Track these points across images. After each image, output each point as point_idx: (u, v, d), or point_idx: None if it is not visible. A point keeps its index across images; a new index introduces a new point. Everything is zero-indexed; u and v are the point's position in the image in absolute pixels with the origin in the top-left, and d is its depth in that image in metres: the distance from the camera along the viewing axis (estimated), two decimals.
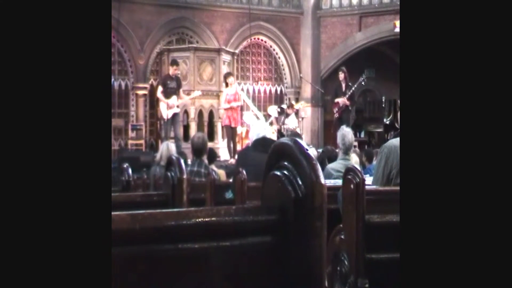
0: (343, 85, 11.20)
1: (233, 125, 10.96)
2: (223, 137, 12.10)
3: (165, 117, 10.41)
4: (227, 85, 11.31)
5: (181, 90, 10.72)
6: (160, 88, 10.61)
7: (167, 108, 10.36)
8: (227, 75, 11.43)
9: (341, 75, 11.21)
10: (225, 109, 10.94)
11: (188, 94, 11.34)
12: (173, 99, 10.44)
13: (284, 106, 13.00)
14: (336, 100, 11.19)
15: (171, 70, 10.67)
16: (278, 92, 15.82)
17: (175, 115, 10.51)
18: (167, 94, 10.42)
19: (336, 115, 11.24)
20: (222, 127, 11.57)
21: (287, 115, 12.22)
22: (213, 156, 6.40)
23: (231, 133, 11.04)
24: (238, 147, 11.07)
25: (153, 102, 14.07)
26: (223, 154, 11.43)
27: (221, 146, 11.76)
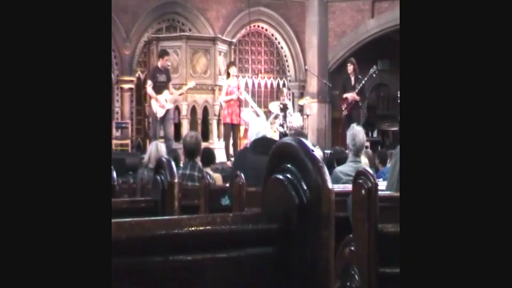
0: (352, 79, 11.20)
1: (235, 122, 10.96)
2: (218, 137, 12.10)
3: (158, 115, 10.38)
4: (228, 76, 11.31)
5: (170, 84, 10.71)
6: (149, 83, 10.58)
7: (159, 105, 10.35)
8: (230, 65, 11.45)
9: (350, 67, 11.21)
10: (226, 102, 10.92)
11: (180, 87, 11.29)
12: (165, 94, 10.43)
13: (288, 102, 13.01)
14: (345, 95, 11.19)
15: (161, 62, 10.65)
16: (281, 86, 15.82)
17: (166, 112, 10.51)
18: (157, 89, 10.41)
19: (345, 112, 11.25)
20: (223, 124, 11.54)
21: (285, 108, 12.23)
22: (210, 158, 6.40)
23: (231, 131, 11.04)
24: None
25: (140, 98, 14.08)
26: (219, 155, 11.43)
27: (216, 146, 11.77)
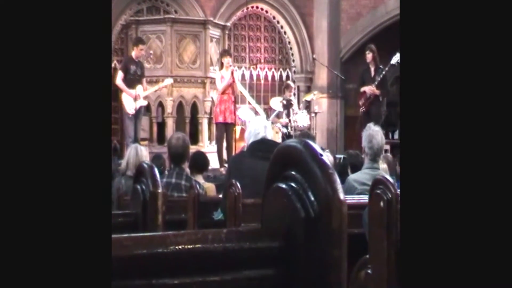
0: (372, 69, 11.14)
1: (229, 121, 10.96)
2: (210, 139, 12.09)
3: (130, 112, 10.40)
4: (222, 66, 11.32)
5: (144, 79, 10.73)
6: (120, 74, 10.58)
7: (133, 100, 10.36)
8: (223, 53, 11.45)
9: (369, 56, 11.14)
10: (221, 94, 10.91)
11: (155, 82, 11.24)
12: (139, 89, 10.44)
13: (292, 97, 13.03)
14: (363, 89, 11.12)
15: (135, 51, 10.65)
16: (284, 78, 15.84)
17: (139, 109, 10.54)
18: (129, 82, 10.43)
19: (363, 109, 11.16)
20: (215, 124, 11.54)
21: (289, 104, 12.25)
22: (202, 163, 6.40)
23: (224, 132, 11.05)
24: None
25: (117, 92, 14.07)
26: (211, 160, 11.41)
27: (207, 150, 11.77)
